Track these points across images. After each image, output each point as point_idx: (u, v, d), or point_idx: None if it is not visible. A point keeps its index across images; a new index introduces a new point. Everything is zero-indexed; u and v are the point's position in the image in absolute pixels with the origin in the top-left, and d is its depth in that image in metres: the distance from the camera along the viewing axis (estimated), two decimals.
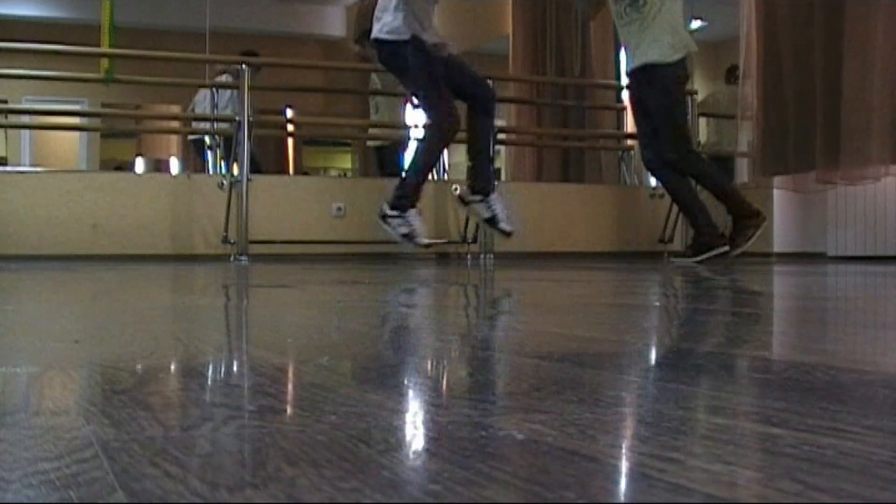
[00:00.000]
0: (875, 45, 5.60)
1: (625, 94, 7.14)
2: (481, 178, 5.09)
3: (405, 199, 4.89)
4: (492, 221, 5.08)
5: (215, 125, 6.83)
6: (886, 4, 5.58)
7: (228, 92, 7.19)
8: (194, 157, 8.62)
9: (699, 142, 6.65)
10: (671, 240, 6.45)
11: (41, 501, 0.48)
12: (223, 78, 7.27)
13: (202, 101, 7.82)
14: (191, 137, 8.55)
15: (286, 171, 10.36)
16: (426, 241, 4.99)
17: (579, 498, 0.48)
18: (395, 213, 4.88)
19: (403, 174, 5.13)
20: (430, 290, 2.87)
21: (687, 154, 5.26)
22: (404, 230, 4.87)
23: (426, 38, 4.82)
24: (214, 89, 6.66)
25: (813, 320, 1.84)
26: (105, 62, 6.13)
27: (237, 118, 5.70)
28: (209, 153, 7.74)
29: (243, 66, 5.84)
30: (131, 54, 6.63)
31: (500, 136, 6.67)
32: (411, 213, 4.88)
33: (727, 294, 2.65)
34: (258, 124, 6.23)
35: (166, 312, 1.87)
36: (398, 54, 4.86)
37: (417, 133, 5.72)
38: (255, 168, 7.60)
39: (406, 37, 4.78)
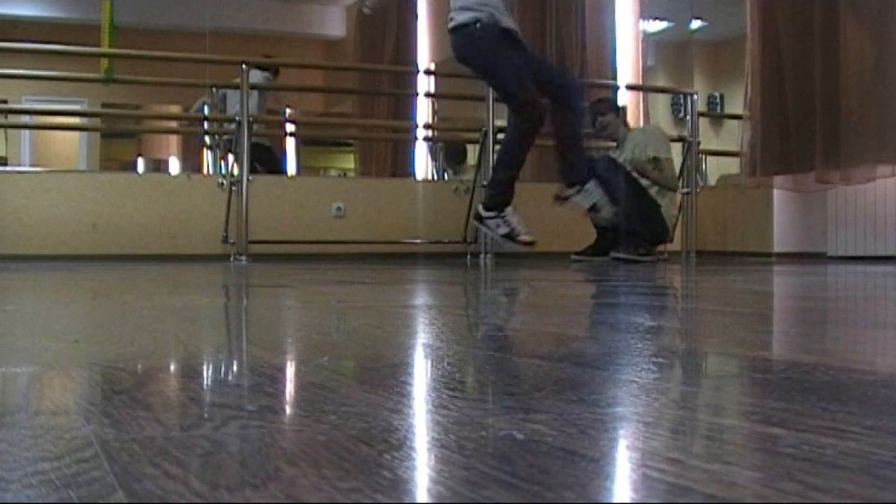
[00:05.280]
0: (872, 45, 5.60)
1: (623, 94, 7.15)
2: (577, 169, 4.97)
3: (499, 197, 4.82)
4: (595, 208, 5.02)
5: (219, 126, 6.84)
6: (884, 5, 5.58)
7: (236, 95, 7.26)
8: (209, 157, 8.60)
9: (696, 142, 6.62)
10: (671, 240, 6.44)
11: (41, 501, 0.48)
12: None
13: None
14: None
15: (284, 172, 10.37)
16: (528, 238, 4.85)
17: (579, 498, 0.48)
18: (491, 213, 4.81)
19: (493, 171, 5.06)
20: (430, 290, 2.87)
21: None
22: (504, 230, 4.81)
23: (500, 20, 4.66)
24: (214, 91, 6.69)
25: (813, 320, 1.84)
26: (105, 62, 6.14)
27: (237, 118, 5.70)
28: (209, 153, 7.77)
29: (244, 66, 5.85)
30: (131, 54, 6.64)
31: (500, 135, 6.66)
32: (508, 211, 4.81)
33: (727, 294, 2.65)
34: (258, 124, 6.23)
35: (166, 312, 1.87)
36: (466, 38, 4.67)
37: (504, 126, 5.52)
38: (273, 167, 7.65)
39: (475, 17, 4.61)
